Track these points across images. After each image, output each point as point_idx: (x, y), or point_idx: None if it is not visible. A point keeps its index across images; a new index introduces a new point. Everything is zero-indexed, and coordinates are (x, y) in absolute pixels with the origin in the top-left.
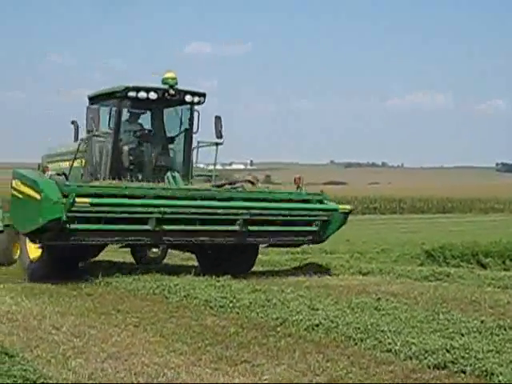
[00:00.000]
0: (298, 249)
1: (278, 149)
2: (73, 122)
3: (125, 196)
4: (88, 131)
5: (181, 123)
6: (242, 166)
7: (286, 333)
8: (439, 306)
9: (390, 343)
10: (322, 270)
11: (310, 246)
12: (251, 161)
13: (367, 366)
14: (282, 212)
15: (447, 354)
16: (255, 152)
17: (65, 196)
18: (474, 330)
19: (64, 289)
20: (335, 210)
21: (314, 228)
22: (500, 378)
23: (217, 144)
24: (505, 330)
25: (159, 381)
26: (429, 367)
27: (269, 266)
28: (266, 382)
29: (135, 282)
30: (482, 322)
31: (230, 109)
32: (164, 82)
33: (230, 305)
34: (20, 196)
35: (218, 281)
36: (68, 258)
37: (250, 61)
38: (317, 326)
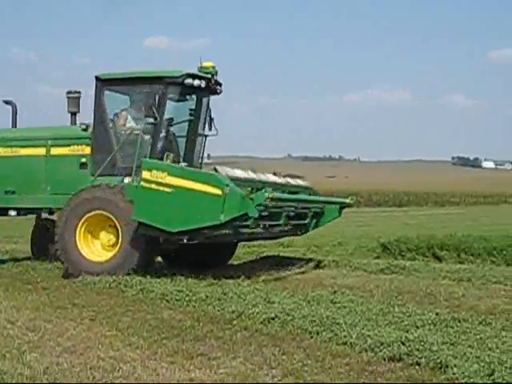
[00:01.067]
0: (255, 242)
1: (235, 143)
2: (8, 103)
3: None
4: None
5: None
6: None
7: (242, 326)
8: (395, 299)
9: (345, 336)
10: (278, 263)
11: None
12: (208, 155)
13: (323, 359)
14: (313, 205)
15: (402, 347)
16: (212, 146)
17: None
18: (429, 322)
19: (19, 283)
20: (343, 203)
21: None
22: (454, 370)
23: (206, 136)
24: (459, 322)
25: (115, 375)
26: (384, 359)
27: None
28: (221, 375)
29: (91, 275)
30: (436, 314)
31: None
32: (205, 71)
33: (187, 298)
34: (169, 190)
35: (175, 274)
36: (150, 254)
37: (209, 55)
38: (273, 319)
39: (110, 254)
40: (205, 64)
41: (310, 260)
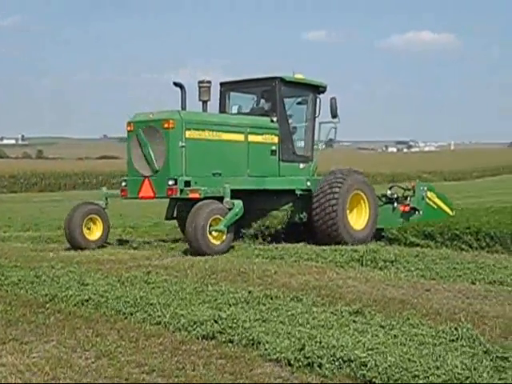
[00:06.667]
0: None
1: (49, 123)
2: (178, 85)
3: None
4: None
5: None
6: (13, 141)
7: (56, 309)
8: (208, 278)
9: (159, 316)
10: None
11: None
12: (22, 135)
13: (137, 339)
14: None
15: (215, 325)
16: (26, 126)
17: None
18: (242, 300)
19: None
20: None
21: None
22: (266, 346)
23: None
24: (271, 299)
25: None
26: (197, 338)
27: (40, 242)
28: (34, 359)
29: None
30: (249, 292)
31: None
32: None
33: None
34: (434, 206)
35: None
36: None
37: (19, 32)
38: (86, 301)
39: (365, 220)
40: (297, 76)
41: (127, 242)
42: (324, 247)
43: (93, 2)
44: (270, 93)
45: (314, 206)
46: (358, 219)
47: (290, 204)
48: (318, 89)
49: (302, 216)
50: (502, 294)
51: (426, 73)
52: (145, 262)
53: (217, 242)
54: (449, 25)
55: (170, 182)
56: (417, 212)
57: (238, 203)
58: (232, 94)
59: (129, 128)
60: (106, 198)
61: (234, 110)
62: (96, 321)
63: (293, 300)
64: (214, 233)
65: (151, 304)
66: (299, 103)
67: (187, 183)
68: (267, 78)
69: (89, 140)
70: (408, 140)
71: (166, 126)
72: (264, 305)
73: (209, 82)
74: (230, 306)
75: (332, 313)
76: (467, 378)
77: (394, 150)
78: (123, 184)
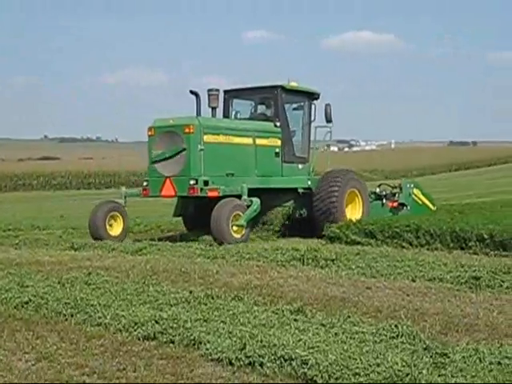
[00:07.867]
0: (11, 226)
1: None
2: (194, 93)
3: None
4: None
5: None
6: None
7: None
8: (150, 278)
9: (100, 317)
10: (34, 245)
11: (24, 222)
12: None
13: (77, 341)
14: None
15: (156, 325)
16: None
17: None
18: (183, 300)
19: None
20: None
21: None
22: (207, 345)
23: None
24: (212, 298)
25: None
26: (138, 339)
27: None
28: None
29: None
30: (190, 292)
31: None
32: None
33: None
34: (419, 202)
35: None
36: None
37: None
38: (26, 303)
39: (359, 215)
40: (291, 83)
41: (66, 242)
42: (265, 246)
43: None
44: (271, 100)
45: (316, 202)
46: (353, 214)
47: (292, 201)
48: (313, 95)
49: (302, 212)
50: (441, 290)
51: (366, 72)
52: (85, 263)
53: (237, 236)
54: (389, 25)
55: (192, 182)
56: (405, 207)
57: (256, 201)
58: (235, 100)
59: (150, 132)
60: (125, 197)
61: (238, 115)
62: (36, 323)
63: (234, 299)
64: (234, 227)
65: (92, 305)
66: (296, 109)
67: (205, 182)
68: (269, 87)
69: (29, 141)
70: (349, 139)
71: (186, 130)
72: (205, 304)
73: (217, 90)
74: (171, 306)
75: (273, 312)
76: (407, 374)
77: (335, 149)
78: (145, 184)
